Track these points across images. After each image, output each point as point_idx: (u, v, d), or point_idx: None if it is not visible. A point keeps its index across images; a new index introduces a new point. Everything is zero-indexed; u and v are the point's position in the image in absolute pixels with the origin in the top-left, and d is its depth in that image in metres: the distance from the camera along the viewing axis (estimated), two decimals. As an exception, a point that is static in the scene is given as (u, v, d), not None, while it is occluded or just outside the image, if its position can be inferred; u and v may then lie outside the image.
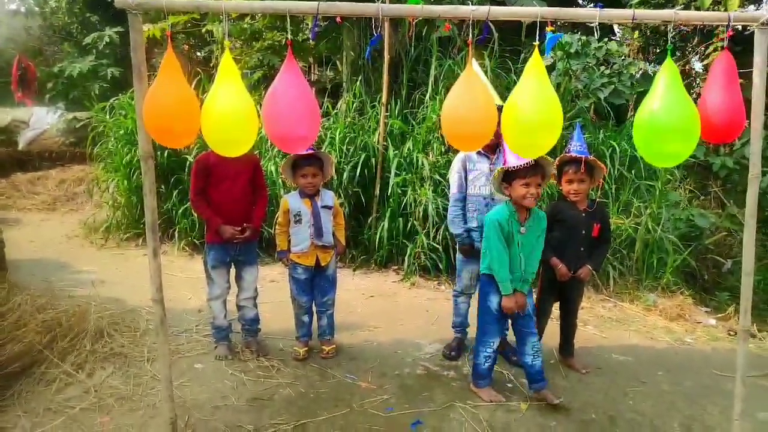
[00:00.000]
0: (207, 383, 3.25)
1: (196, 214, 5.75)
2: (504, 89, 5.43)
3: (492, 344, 3.17)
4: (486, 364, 3.19)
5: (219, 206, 3.43)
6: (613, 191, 5.48)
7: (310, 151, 3.36)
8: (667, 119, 2.08)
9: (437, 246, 5.33)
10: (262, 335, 3.83)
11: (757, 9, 8.65)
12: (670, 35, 2.00)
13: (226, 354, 3.56)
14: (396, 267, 5.63)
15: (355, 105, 6.33)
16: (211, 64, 8.17)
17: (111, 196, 6.72)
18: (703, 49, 7.66)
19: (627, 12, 2.05)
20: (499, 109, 2.24)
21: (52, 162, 9.94)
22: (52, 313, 3.63)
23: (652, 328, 4.42)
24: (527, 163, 2.88)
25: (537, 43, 2.03)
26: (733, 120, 2.17)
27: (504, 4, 6.98)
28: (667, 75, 2.14)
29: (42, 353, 3.29)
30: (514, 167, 2.93)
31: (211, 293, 3.55)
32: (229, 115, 2.13)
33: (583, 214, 3.35)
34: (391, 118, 5.91)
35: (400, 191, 5.59)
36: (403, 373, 3.47)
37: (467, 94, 2.19)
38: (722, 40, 2.16)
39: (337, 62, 7.63)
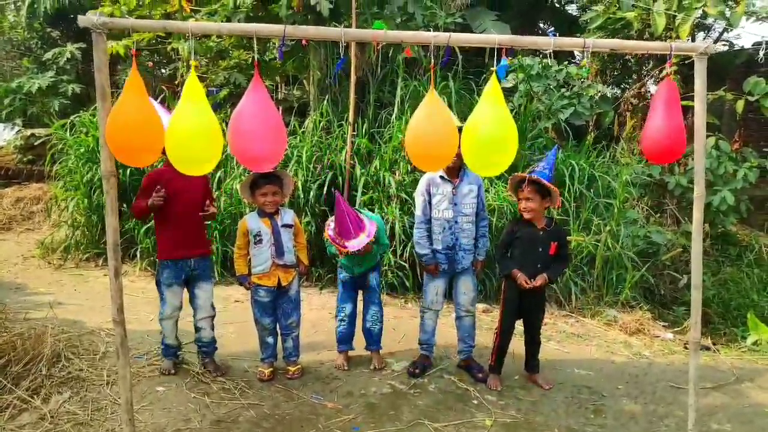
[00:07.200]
0: (169, 406, 3.18)
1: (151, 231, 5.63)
2: (467, 109, 5.55)
3: None
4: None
5: (180, 218, 3.44)
6: (573, 209, 5.64)
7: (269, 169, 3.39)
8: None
9: (404, 264, 5.36)
10: (227, 357, 3.77)
11: (706, 36, 9.12)
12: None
13: (170, 368, 3.56)
14: (363, 285, 5.62)
15: (322, 124, 6.36)
16: (176, 82, 8.09)
17: (70, 215, 6.52)
18: (657, 72, 8.00)
19: (578, 40, 2.17)
20: (459, 130, 2.31)
21: (8, 180, 9.60)
22: (6, 337, 3.50)
23: (612, 342, 4.54)
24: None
25: (494, 68, 2.13)
26: (674, 142, 2.31)
27: (469, 27, 7.18)
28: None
29: (-6, 379, 3.17)
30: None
31: (163, 313, 3.51)
32: (194, 134, 2.15)
33: (541, 233, 3.45)
34: (358, 137, 5.96)
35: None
36: (369, 392, 3.46)
37: (430, 117, 2.27)
38: (671, 65, 2.29)
39: (304, 81, 7.66)
